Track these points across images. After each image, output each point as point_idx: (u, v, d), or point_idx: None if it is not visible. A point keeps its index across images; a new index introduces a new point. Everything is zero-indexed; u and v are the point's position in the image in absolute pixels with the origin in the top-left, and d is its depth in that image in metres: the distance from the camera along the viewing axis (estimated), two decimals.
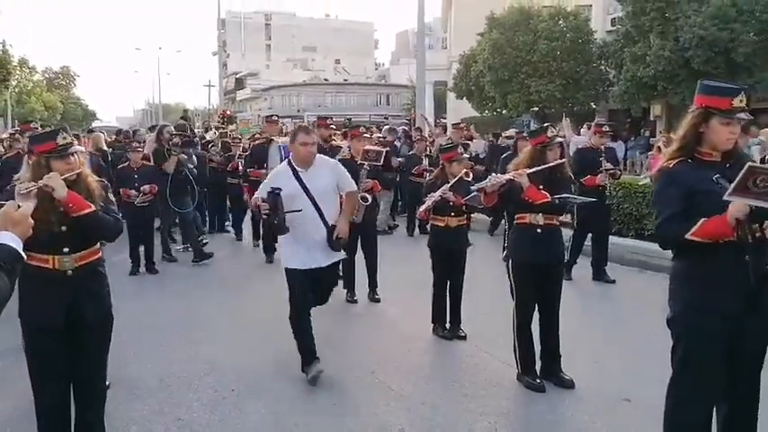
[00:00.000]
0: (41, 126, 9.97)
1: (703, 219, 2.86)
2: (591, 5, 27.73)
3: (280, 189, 4.65)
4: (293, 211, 4.70)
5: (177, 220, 9.78)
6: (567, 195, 4.66)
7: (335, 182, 5.06)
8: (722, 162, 3.01)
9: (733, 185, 2.71)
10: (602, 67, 23.93)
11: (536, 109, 25.32)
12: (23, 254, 1.86)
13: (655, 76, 19.16)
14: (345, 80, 67.61)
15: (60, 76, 58.07)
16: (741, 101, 2.93)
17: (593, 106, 25.33)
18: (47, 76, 55.91)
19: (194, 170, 9.33)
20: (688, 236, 2.89)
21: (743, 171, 2.67)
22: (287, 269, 4.98)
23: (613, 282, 7.99)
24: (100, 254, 3.56)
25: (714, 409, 3.12)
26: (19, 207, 2.02)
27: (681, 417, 3.10)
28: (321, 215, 4.88)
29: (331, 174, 5.06)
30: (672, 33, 18.90)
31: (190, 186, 9.22)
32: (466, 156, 6.20)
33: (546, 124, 5.01)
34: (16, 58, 38.17)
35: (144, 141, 10.92)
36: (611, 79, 23.17)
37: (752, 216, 2.78)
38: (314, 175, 4.91)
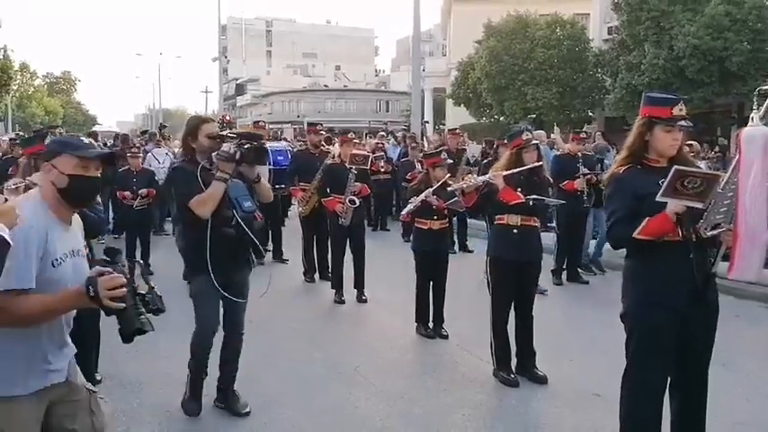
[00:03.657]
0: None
1: (647, 218, 3.07)
2: (588, 14, 27.98)
3: None
4: None
5: None
6: (540, 197, 4.85)
7: None
8: (668, 167, 3.19)
9: (663, 187, 2.93)
10: (599, 75, 24.11)
11: (533, 116, 25.47)
12: (10, 240, 2.02)
13: (649, 84, 19.28)
14: (345, 86, 67.85)
15: (61, 81, 58.35)
16: (680, 110, 3.15)
17: (590, 114, 25.50)
18: (48, 80, 56.25)
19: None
20: (635, 235, 3.10)
21: (670, 174, 2.88)
22: None
23: (587, 282, 8.23)
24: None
25: (667, 400, 3.32)
26: (6, 200, 2.21)
27: (633, 406, 3.29)
28: None
29: None
30: (666, 42, 19.09)
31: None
32: (450, 161, 6.39)
33: (522, 127, 5.19)
34: (17, 62, 38.47)
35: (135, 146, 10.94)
36: (607, 87, 23.34)
37: (691, 216, 2.98)
38: None
